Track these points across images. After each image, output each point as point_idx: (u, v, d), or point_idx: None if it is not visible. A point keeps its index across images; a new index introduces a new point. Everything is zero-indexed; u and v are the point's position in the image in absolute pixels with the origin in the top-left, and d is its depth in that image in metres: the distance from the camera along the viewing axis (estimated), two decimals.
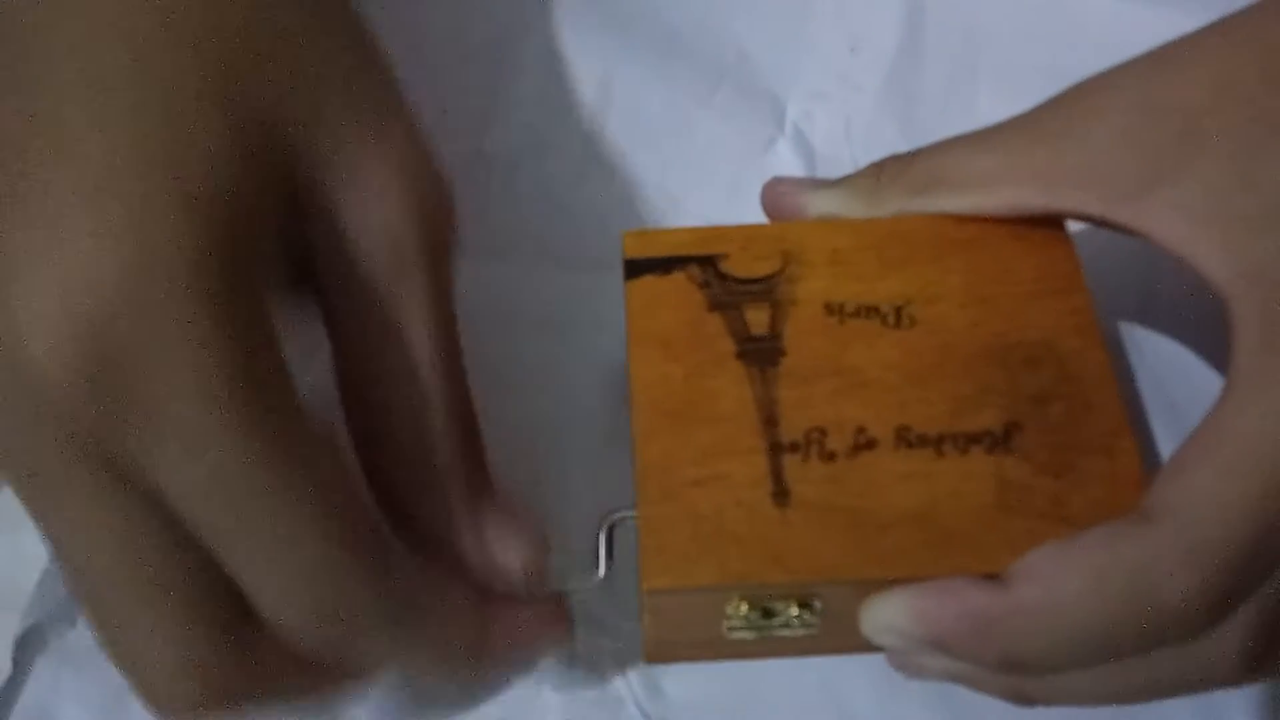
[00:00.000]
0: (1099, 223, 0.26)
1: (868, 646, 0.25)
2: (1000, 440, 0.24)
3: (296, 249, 0.23)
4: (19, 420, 0.20)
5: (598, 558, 0.26)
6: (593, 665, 0.28)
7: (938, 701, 0.28)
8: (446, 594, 0.24)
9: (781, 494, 0.24)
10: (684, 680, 0.28)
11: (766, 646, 0.26)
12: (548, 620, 0.26)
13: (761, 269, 0.27)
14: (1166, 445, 0.30)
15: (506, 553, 0.25)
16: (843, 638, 0.25)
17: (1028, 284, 0.26)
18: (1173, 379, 0.31)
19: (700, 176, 0.34)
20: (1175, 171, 0.24)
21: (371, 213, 0.23)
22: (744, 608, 0.24)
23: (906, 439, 0.24)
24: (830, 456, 0.24)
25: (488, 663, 0.25)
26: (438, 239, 0.24)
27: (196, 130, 0.21)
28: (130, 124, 0.20)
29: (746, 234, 0.27)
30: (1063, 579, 0.22)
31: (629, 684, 0.28)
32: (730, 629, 0.24)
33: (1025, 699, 0.24)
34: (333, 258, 0.23)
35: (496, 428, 0.27)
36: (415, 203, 0.24)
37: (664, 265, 0.27)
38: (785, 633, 0.25)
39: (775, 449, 0.24)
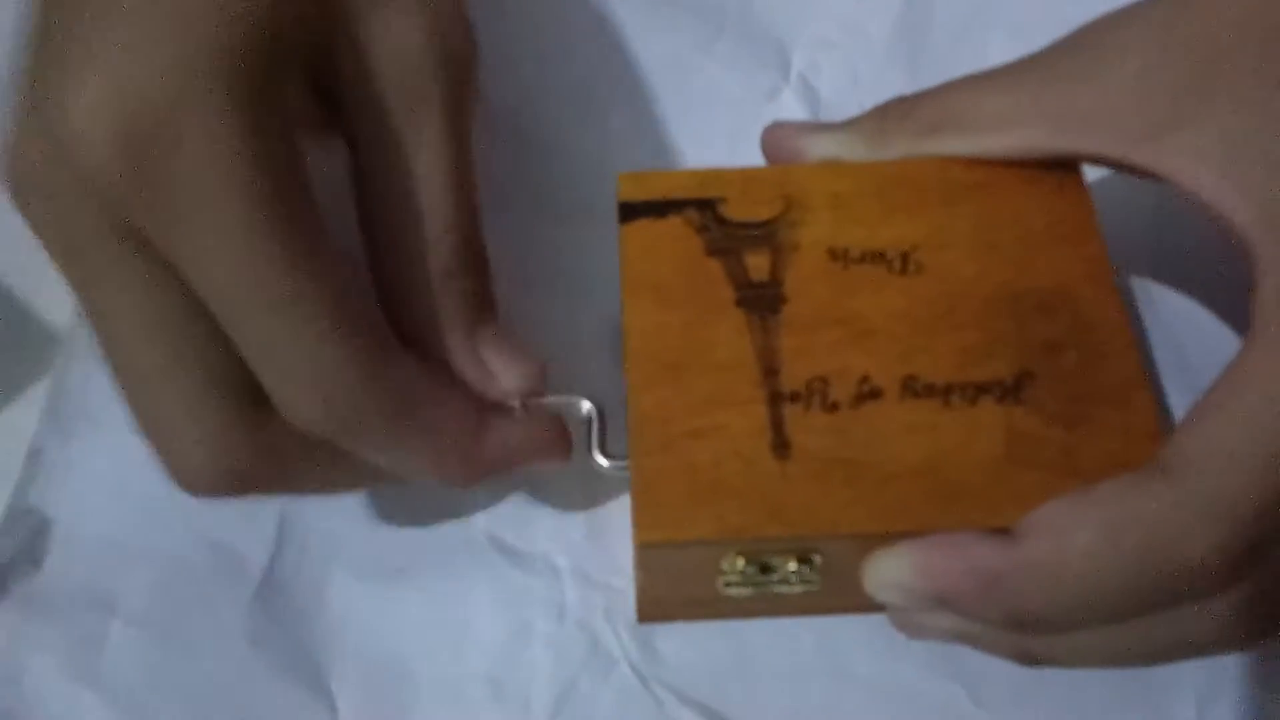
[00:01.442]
0: (1115, 165, 0.25)
1: (869, 605, 0.24)
2: (1010, 390, 0.23)
3: (324, 76, 0.25)
4: (61, 190, 0.22)
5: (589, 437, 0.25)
6: (583, 623, 0.28)
7: (939, 663, 0.27)
8: (444, 398, 0.24)
9: (781, 445, 0.23)
10: (678, 639, 0.27)
11: (764, 605, 0.25)
12: (545, 435, 0.26)
13: (762, 213, 0.26)
14: (1178, 402, 0.29)
15: (502, 372, 0.25)
16: (843, 596, 0.24)
17: (1039, 229, 0.25)
18: (1185, 334, 0.30)
19: (702, 127, 0.33)
20: (1196, 112, 0.23)
21: (394, 38, 0.24)
22: (741, 563, 0.23)
23: (912, 389, 0.23)
24: (833, 407, 0.23)
25: (481, 466, 0.25)
26: (457, 72, 0.25)
27: None
28: None
29: (746, 177, 0.26)
30: (1075, 533, 0.21)
31: (621, 642, 0.27)
32: (726, 585, 0.24)
33: (1031, 659, 0.23)
34: (355, 78, 0.24)
35: None
36: (438, 35, 0.25)
37: (660, 208, 0.26)
38: (783, 589, 0.24)
39: (775, 399, 0.23)
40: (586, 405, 0.26)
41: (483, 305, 0.25)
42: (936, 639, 0.25)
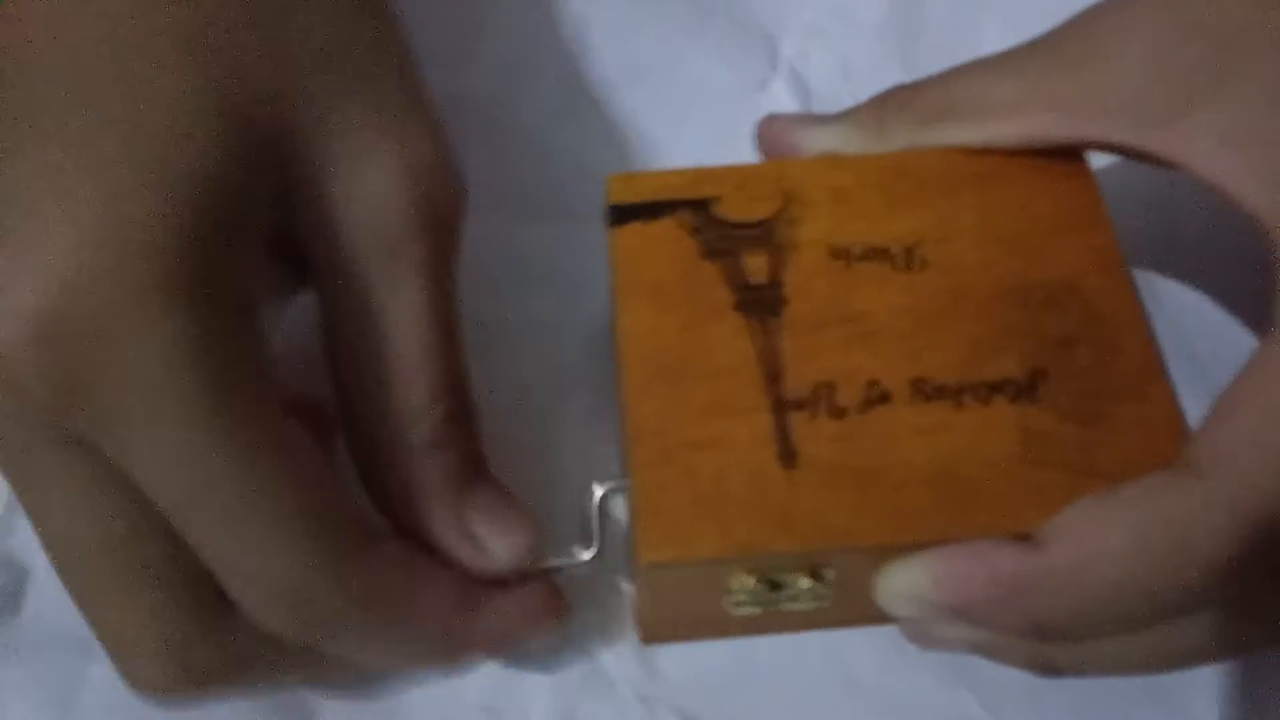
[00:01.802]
0: (1126, 152, 0.24)
1: (880, 617, 0.23)
2: (1024, 388, 0.22)
3: (290, 230, 0.22)
4: None
5: (589, 532, 0.24)
6: (582, 643, 0.26)
7: (949, 670, 0.26)
8: (427, 584, 0.22)
9: (788, 455, 0.22)
10: (681, 656, 0.26)
11: (772, 622, 0.24)
12: (538, 607, 0.24)
13: (758, 211, 0.25)
14: (1187, 398, 0.28)
15: (494, 544, 0.23)
16: (855, 609, 0.23)
17: (1047, 220, 0.24)
18: (1194, 328, 0.29)
19: (689, 118, 0.32)
20: (1211, 93, 0.22)
21: (370, 198, 0.22)
22: (750, 581, 0.22)
23: (922, 390, 0.22)
24: (840, 412, 0.22)
25: (472, 650, 0.23)
26: (441, 228, 0.23)
27: (184, 114, 0.20)
28: (115, 107, 0.20)
29: (741, 174, 0.25)
30: (1102, 537, 0.20)
31: (621, 663, 0.26)
32: (735, 605, 0.22)
33: (1051, 669, 0.22)
34: (325, 240, 0.22)
35: (476, 392, 0.25)
36: (421, 192, 0.22)
37: (651, 210, 0.25)
38: (794, 606, 0.23)
39: (780, 406, 0.22)
40: (589, 554, 0.24)
41: (470, 470, 0.23)
42: (950, 649, 0.24)
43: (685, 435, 0.22)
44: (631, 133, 0.32)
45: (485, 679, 0.26)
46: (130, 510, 0.21)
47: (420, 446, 0.22)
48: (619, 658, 0.26)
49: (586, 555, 0.24)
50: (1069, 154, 0.25)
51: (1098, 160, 0.25)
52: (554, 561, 0.24)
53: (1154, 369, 0.23)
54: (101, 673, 0.25)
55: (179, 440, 0.19)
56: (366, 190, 0.22)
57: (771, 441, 0.22)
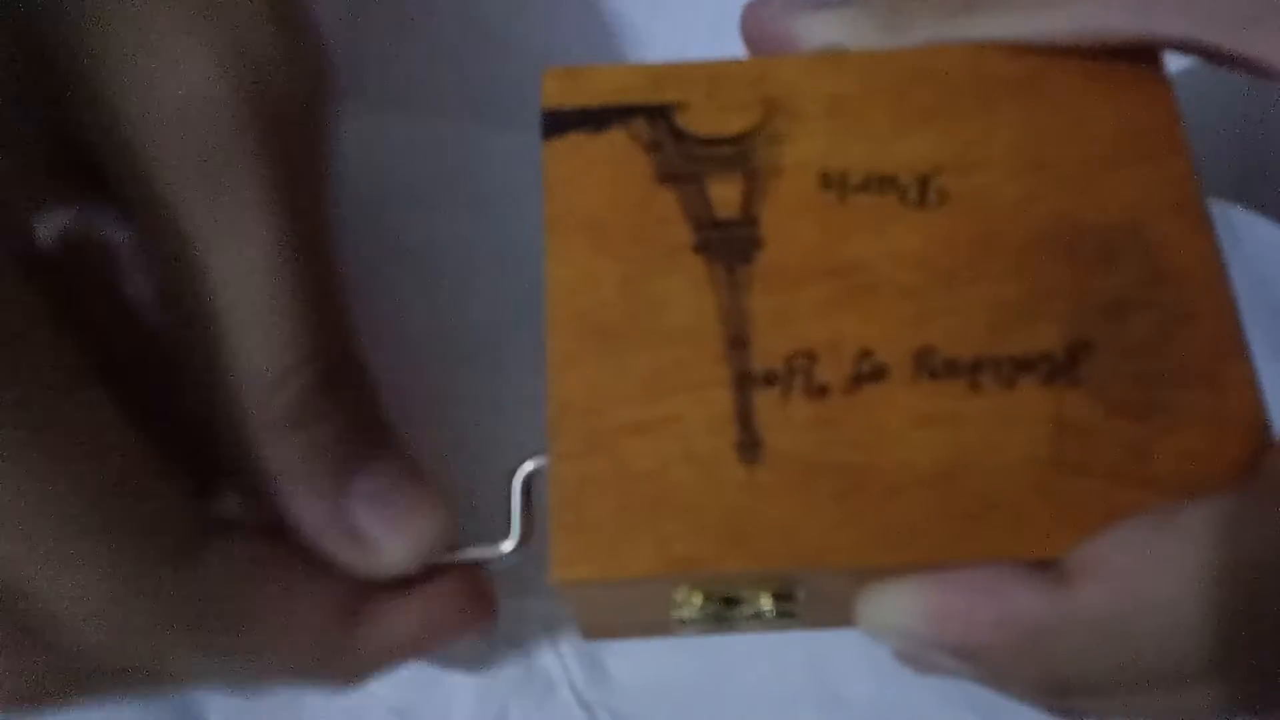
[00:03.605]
0: (1209, 56, 0.18)
1: None
2: (1062, 367, 0.17)
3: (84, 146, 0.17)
4: None
5: (510, 520, 0.19)
6: (515, 639, 0.22)
7: (951, 688, 0.22)
8: (289, 592, 0.18)
9: (750, 445, 0.17)
10: (634, 657, 0.22)
11: (734, 627, 0.20)
12: (454, 608, 0.19)
13: (734, 124, 0.19)
14: (1269, 364, 0.23)
15: (385, 540, 0.18)
16: (836, 617, 0.19)
17: (1107, 144, 0.19)
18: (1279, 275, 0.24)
19: (671, 3, 0.26)
20: None
21: (177, 111, 0.16)
22: (698, 599, 0.17)
23: (928, 367, 0.17)
24: (820, 392, 0.17)
25: (362, 666, 0.19)
26: (285, 146, 0.17)
27: None
28: None
29: (714, 74, 0.20)
30: (1152, 578, 0.15)
31: (562, 662, 0.22)
32: (681, 621, 0.18)
33: (1071, 715, 0.18)
34: (130, 168, 0.17)
35: (387, 339, 0.20)
36: (248, 99, 0.17)
37: (598, 118, 0.19)
38: (755, 624, 0.18)
39: (743, 381, 0.17)
40: (529, 467, 0.19)
41: (351, 450, 0.18)
42: (950, 675, 0.19)
43: (620, 416, 0.17)
44: (600, 20, 0.26)
45: (400, 676, 0.22)
46: None
47: (277, 424, 0.17)
48: (559, 657, 0.22)
49: (507, 546, 0.19)
50: (1139, 57, 0.19)
51: (1172, 65, 0.20)
52: (469, 554, 0.20)
53: (1234, 344, 0.18)
54: None
55: None
56: (171, 81, 0.16)
57: (730, 427, 0.17)
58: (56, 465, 0.15)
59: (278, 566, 0.18)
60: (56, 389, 0.16)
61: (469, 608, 0.20)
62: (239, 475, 0.18)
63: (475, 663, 0.22)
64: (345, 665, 0.19)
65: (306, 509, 0.18)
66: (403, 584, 0.19)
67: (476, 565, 0.20)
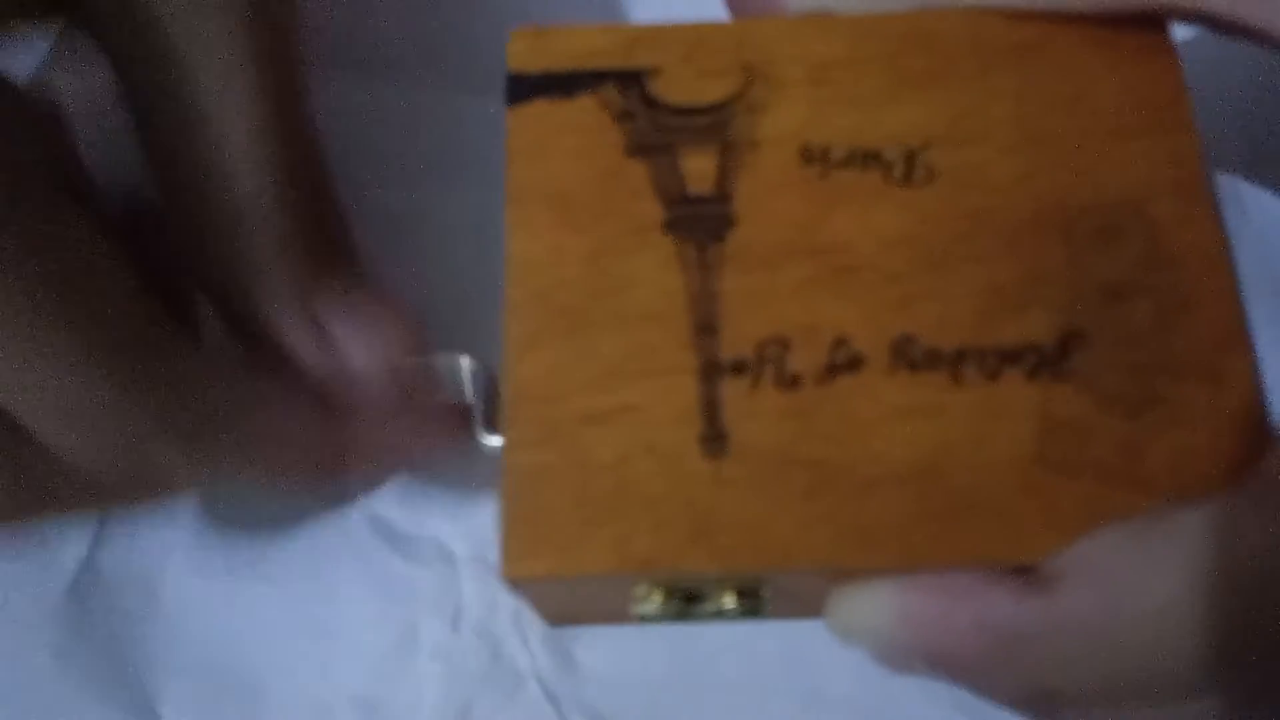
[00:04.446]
0: (1219, 25, 0.17)
1: None
2: (1051, 359, 0.16)
3: None
4: None
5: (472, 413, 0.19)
6: (483, 627, 0.22)
7: (939, 690, 0.21)
8: (268, 393, 0.19)
9: (716, 438, 0.16)
10: (603, 648, 0.22)
11: (696, 621, 0.19)
12: (431, 419, 0.20)
13: (711, 92, 0.18)
14: (1274, 347, 0.22)
15: (351, 344, 0.19)
16: (802, 611, 0.18)
17: (1109, 118, 0.18)
18: None
19: None
20: None
21: None
22: (658, 595, 0.17)
23: (908, 356, 0.16)
24: (792, 381, 0.16)
25: (340, 470, 0.20)
26: None
27: None
28: None
29: (691, 37, 0.18)
30: (1140, 585, 0.14)
31: (530, 652, 0.22)
32: (641, 615, 0.17)
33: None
34: None
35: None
36: None
37: (566, 84, 0.18)
38: (721, 620, 0.17)
39: (711, 369, 0.16)
40: (467, 363, 0.19)
41: (322, 258, 0.19)
42: (928, 676, 0.18)
43: (580, 404, 0.16)
44: None
45: (364, 665, 0.21)
46: None
47: (253, 231, 0.18)
48: (527, 647, 0.22)
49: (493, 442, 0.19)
50: (1146, 25, 0.18)
51: (1181, 34, 0.18)
52: (436, 360, 0.19)
53: (1236, 334, 0.16)
54: None
55: None
56: None
57: (695, 418, 0.16)
58: (38, 276, 0.16)
59: (258, 368, 0.18)
60: (35, 205, 0.17)
61: (445, 420, 0.20)
62: (220, 295, 0.19)
63: (442, 652, 0.21)
64: (321, 460, 0.19)
65: (280, 314, 0.19)
66: (381, 396, 0.19)
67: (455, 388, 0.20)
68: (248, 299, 0.19)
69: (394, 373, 0.19)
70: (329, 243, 0.20)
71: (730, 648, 0.22)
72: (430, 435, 0.20)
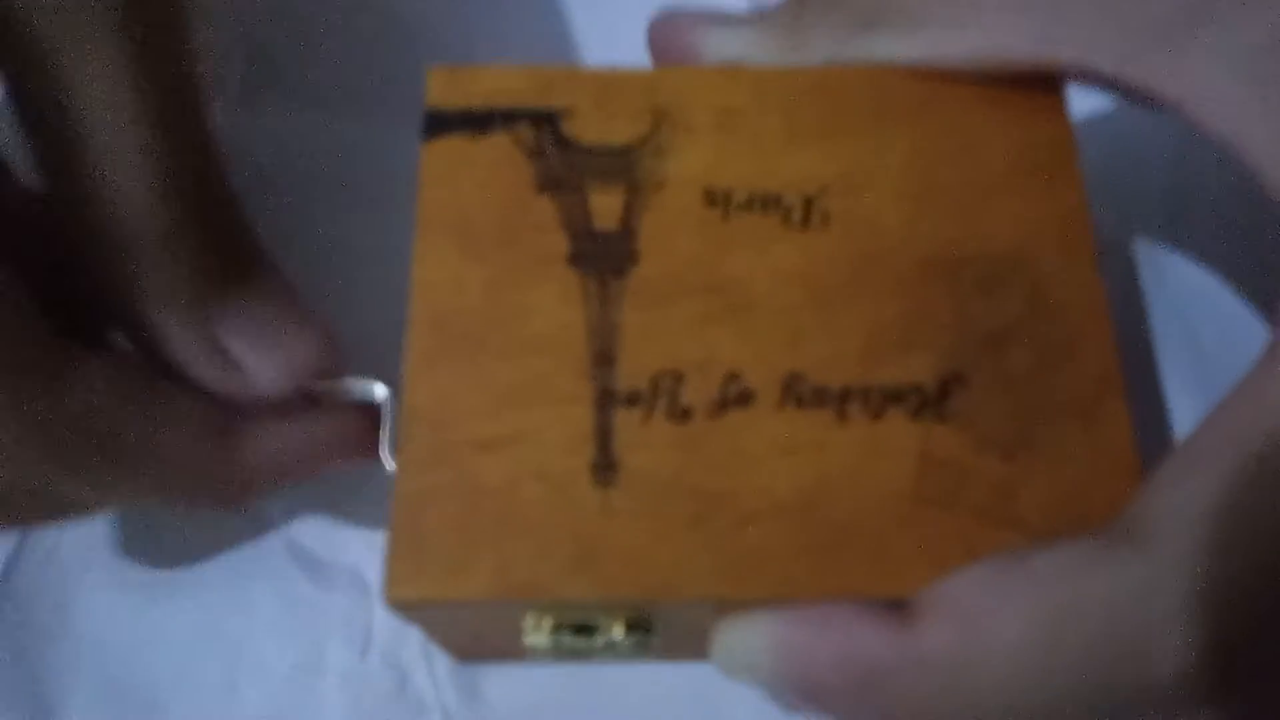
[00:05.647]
0: (1108, 85, 0.18)
1: None
2: (932, 400, 0.17)
3: None
4: None
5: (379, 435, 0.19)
6: (390, 656, 0.22)
7: None
8: (152, 412, 0.18)
9: (606, 466, 0.16)
10: (510, 681, 0.22)
11: (597, 655, 0.19)
12: (338, 431, 0.19)
13: (621, 133, 0.19)
14: (1183, 402, 0.23)
15: (254, 365, 0.18)
16: (692, 649, 0.18)
17: (998, 169, 0.18)
18: (1200, 314, 0.24)
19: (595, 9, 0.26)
20: (1223, 8, 0.16)
21: None
22: (547, 624, 0.17)
23: (796, 393, 0.17)
24: (683, 414, 0.17)
25: (239, 488, 0.19)
26: None
27: None
28: None
29: (605, 81, 0.19)
30: (996, 621, 0.14)
31: (436, 683, 0.22)
32: (532, 648, 0.17)
33: None
34: None
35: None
36: None
37: (481, 121, 0.19)
38: (612, 654, 0.18)
39: (605, 399, 0.17)
40: (381, 391, 0.19)
41: (223, 275, 0.18)
42: (811, 712, 0.18)
43: (472, 430, 0.17)
44: (511, 15, 0.26)
45: (269, 687, 0.21)
46: None
47: (145, 251, 0.18)
48: (433, 677, 0.22)
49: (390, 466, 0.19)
50: (1037, 83, 0.19)
51: (1106, 98, 0.19)
52: (351, 386, 0.19)
53: (1111, 381, 0.17)
54: None
55: None
56: None
57: (587, 446, 0.17)
58: None
59: (140, 388, 0.18)
60: None
61: (352, 434, 0.20)
62: (118, 311, 0.18)
63: (349, 678, 0.21)
64: (223, 481, 0.19)
65: (175, 333, 0.18)
66: (286, 410, 0.19)
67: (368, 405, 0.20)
68: (142, 318, 0.18)
69: (303, 395, 0.19)
70: (231, 261, 0.19)
71: (634, 684, 0.22)
72: (334, 453, 0.20)
